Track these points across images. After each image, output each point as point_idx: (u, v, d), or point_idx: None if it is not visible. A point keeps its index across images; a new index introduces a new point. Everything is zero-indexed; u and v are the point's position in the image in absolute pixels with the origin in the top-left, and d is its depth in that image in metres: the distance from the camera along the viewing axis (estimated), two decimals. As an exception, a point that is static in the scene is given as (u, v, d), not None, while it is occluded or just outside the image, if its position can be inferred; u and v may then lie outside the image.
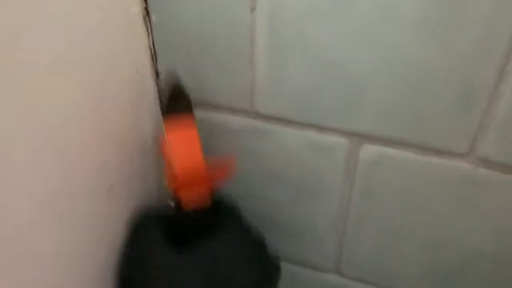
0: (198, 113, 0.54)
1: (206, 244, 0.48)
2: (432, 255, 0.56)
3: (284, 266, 0.65)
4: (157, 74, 0.53)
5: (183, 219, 0.50)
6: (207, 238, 0.48)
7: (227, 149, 0.56)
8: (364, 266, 0.61)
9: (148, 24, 0.51)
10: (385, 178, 0.51)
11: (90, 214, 0.47)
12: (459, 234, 0.52)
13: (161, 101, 0.53)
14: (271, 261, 0.54)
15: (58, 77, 0.39)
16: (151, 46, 0.52)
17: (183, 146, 0.46)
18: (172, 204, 0.52)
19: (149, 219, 0.52)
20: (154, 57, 0.53)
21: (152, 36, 0.52)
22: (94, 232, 0.48)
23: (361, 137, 0.49)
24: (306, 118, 0.50)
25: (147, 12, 0.50)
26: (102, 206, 0.49)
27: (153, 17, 0.50)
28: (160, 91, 0.54)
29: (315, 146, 0.52)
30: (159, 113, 0.53)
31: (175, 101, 0.50)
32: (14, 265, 0.38)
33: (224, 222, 0.51)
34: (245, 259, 0.50)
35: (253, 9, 0.45)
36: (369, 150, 0.50)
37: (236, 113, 0.53)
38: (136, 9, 0.49)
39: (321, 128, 0.51)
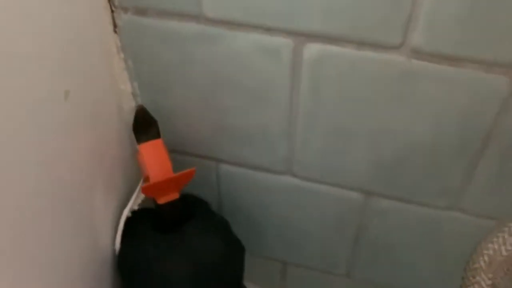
0: (146, 21, 0.56)
1: (183, 229, 0.64)
2: (374, 150, 0.60)
3: (242, 171, 0.70)
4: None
5: (161, 211, 0.63)
6: (184, 224, 0.65)
7: (176, 57, 0.58)
8: (315, 166, 0.65)
9: None
10: (328, 76, 0.54)
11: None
12: (398, 126, 0.57)
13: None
14: (236, 239, 0.69)
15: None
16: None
17: (153, 155, 0.62)
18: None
19: (139, 212, 0.68)
20: None
21: None
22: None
23: (304, 36, 0.52)
24: (253, 19, 0.52)
25: None
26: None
27: None
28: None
29: (263, 48, 0.54)
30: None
31: (143, 126, 0.63)
32: None
33: (195, 211, 0.68)
34: (215, 236, 0.66)
35: None
36: (312, 49, 0.53)
37: (184, 18, 0.55)
38: None
39: (267, 29, 0.53)
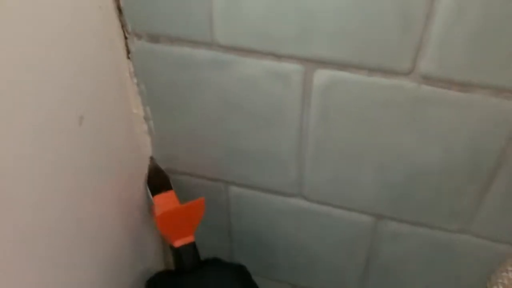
0: (159, 47, 0.57)
1: (201, 273, 0.67)
2: (384, 173, 0.60)
3: (252, 194, 0.70)
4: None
5: (178, 255, 0.67)
6: (202, 269, 0.68)
7: (188, 82, 0.59)
8: (325, 189, 0.65)
9: None
10: (338, 101, 0.55)
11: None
12: (408, 152, 0.57)
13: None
14: (254, 284, 0.71)
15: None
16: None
17: (165, 202, 0.67)
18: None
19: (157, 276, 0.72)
20: None
21: None
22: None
23: (314, 63, 0.53)
24: (263, 46, 0.53)
25: None
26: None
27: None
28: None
29: (273, 73, 0.55)
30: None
31: (155, 180, 0.69)
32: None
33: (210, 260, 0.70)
34: (233, 280, 0.68)
35: None
36: (322, 75, 0.53)
37: (196, 45, 0.56)
38: None
39: (277, 56, 0.54)
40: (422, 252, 0.68)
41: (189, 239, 0.66)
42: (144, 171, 0.70)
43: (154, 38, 0.57)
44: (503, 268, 0.44)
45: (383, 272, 0.73)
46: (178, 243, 0.65)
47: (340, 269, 0.76)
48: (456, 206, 0.60)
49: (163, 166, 0.72)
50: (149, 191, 0.69)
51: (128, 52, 0.59)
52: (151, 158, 0.71)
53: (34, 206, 0.46)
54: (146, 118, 0.66)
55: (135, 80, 0.62)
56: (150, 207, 0.72)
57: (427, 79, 0.50)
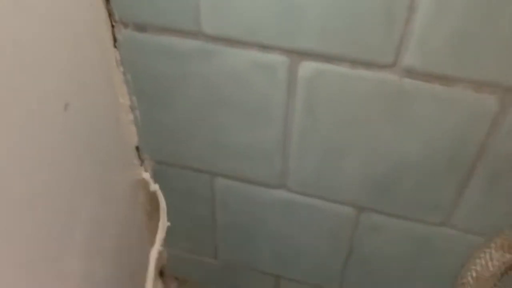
0: (146, 36, 0.57)
1: None
2: (369, 166, 0.61)
3: (237, 185, 0.71)
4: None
5: None
6: None
7: (175, 72, 0.60)
8: (309, 181, 0.66)
9: None
10: (322, 93, 0.56)
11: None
12: (391, 144, 0.58)
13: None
14: None
15: None
16: None
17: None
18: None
19: None
20: None
21: None
22: None
23: (299, 54, 0.53)
24: (250, 37, 0.54)
25: None
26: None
27: None
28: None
29: (259, 65, 0.56)
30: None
31: None
32: None
33: None
34: None
35: None
36: (307, 67, 0.54)
37: (183, 35, 0.56)
38: None
39: (264, 47, 0.54)
40: (403, 244, 0.69)
41: None
42: (130, 161, 0.70)
43: (141, 27, 0.57)
44: (477, 254, 0.45)
45: (365, 263, 0.74)
46: None
47: (323, 260, 0.77)
48: (436, 199, 0.61)
49: (148, 156, 0.72)
50: None
51: (115, 40, 0.59)
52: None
53: (18, 191, 0.46)
54: (132, 108, 0.66)
55: (121, 69, 0.62)
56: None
57: (410, 72, 0.51)
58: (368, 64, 0.52)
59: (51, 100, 0.49)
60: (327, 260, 0.77)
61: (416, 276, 0.72)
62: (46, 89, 0.48)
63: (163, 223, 0.77)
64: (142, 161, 0.73)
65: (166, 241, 0.81)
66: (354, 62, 0.52)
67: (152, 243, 0.79)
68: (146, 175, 0.74)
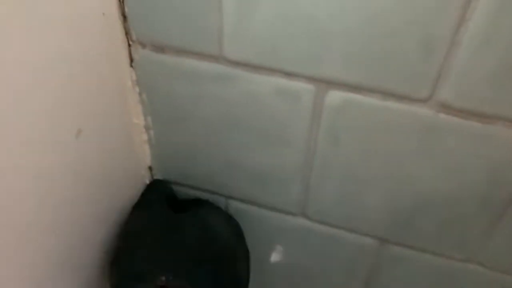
0: (163, 57, 0.54)
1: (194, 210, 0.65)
2: (392, 199, 0.58)
3: (253, 210, 0.68)
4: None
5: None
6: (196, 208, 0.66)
7: (192, 94, 0.57)
8: (329, 210, 0.63)
9: None
10: (349, 124, 0.52)
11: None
12: (417, 179, 0.55)
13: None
14: (244, 242, 0.69)
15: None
16: None
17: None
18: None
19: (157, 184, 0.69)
20: None
21: None
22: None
23: (327, 83, 0.50)
24: (274, 63, 0.51)
25: None
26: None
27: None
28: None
29: (282, 92, 0.52)
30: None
31: None
32: None
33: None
34: (227, 222, 0.67)
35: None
36: (334, 96, 0.51)
37: (203, 58, 0.53)
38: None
39: (288, 74, 0.51)
40: (424, 278, 0.66)
41: None
42: (143, 181, 0.67)
43: (159, 48, 0.54)
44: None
45: (384, 296, 0.71)
46: None
47: (340, 290, 0.74)
48: (464, 236, 0.58)
49: (161, 176, 0.69)
50: None
51: (131, 60, 0.56)
52: None
53: (31, 219, 0.44)
54: (146, 128, 0.63)
55: (137, 89, 0.59)
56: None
57: (445, 107, 0.47)
58: (400, 97, 0.48)
59: (62, 127, 0.46)
60: (344, 290, 0.74)
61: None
62: (58, 115, 0.45)
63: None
64: (155, 181, 0.70)
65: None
66: (385, 94, 0.49)
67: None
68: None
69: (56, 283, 0.51)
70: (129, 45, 0.55)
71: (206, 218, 0.65)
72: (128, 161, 0.63)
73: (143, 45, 0.55)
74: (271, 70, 0.51)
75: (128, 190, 0.64)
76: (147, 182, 0.69)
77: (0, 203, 0.40)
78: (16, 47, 0.38)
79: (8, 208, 0.41)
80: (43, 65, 0.42)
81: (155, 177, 0.69)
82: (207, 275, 0.58)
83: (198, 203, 0.68)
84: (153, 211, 0.63)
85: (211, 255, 0.60)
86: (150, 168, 0.68)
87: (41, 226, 0.46)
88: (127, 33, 0.54)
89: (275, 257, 0.74)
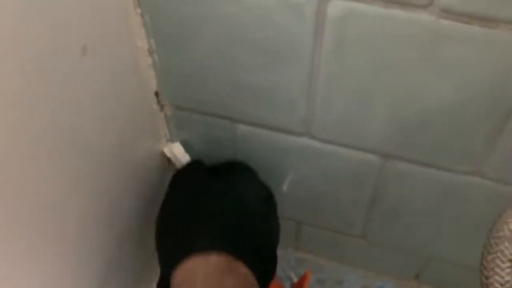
0: None
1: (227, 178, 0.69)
2: (397, 111, 0.58)
3: (259, 131, 0.69)
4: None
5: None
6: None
7: (195, 12, 0.56)
8: (334, 128, 0.64)
9: None
10: (352, 35, 0.52)
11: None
12: (423, 89, 0.55)
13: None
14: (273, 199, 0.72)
15: None
16: None
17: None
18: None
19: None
20: None
21: None
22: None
23: (328, -7, 0.50)
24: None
25: None
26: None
27: None
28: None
29: (284, 4, 0.52)
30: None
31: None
32: None
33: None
34: (255, 185, 0.71)
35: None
36: (336, 6, 0.50)
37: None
38: None
39: (289, -15, 0.51)
40: (429, 193, 0.67)
41: None
42: (149, 106, 0.68)
43: (158, -36, 0.54)
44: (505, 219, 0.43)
45: (388, 211, 0.73)
46: None
47: (345, 206, 0.76)
48: (468, 147, 0.59)
49: (167, 101, 0.70)
50: None
51: (131, -21, 0.56)
52: None
53: (34, 133, 0.45)
54: (150, 51, 0.64)
55: (139, 11, 0.59)
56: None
57: (447, 12, 0.47)
58: (402, 3, 0.48)
59: (68, 41, 0.47)
60: (350, 207, 0.76)
61: (444, 226, 0.71)
62: (63, 30, 0.46)
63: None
64: (161, 107, 0.71)
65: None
66: (387, 1, 0.48)
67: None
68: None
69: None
70: (128, -37, 0.55)
71: (239, 185, 0.68)
72: (134, 87, 0.63)
73: (143, -38, 0.54)
74: (272, -18, 0.51)
75: (134, 117, 0.65)
76: (154, 107, 0.70)
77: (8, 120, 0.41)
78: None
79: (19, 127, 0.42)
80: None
81: (161, 103, 0.70)
82: (245, 242, 0.61)
83: (231, 168, 0.72)
84: (191, 180, 0.69)
85: (248, 223, 0.64)
86: (156, 93, 0.69)
87: (47, 145, 0.47)
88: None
89: (283, 178, 0.76)
